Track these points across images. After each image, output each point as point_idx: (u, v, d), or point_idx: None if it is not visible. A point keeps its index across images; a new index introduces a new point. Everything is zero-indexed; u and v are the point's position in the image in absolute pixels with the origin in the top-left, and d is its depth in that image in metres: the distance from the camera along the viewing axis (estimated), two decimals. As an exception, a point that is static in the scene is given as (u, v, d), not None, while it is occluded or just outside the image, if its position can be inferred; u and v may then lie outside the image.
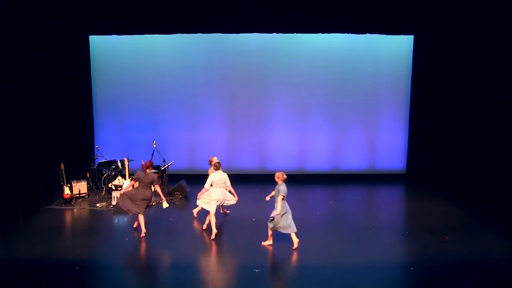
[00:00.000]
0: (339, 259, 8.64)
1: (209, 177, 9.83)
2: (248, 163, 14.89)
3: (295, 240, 9.02)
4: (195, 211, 10.80)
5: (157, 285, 7.77)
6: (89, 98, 14.63)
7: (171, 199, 12.44)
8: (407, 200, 13.54)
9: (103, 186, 13.07)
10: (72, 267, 8.11)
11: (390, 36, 14.30)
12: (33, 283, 7.69)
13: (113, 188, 12.49)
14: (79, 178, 12.53)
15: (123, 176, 12.74)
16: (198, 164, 14.92)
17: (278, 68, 14.70)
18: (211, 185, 9.73)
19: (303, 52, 14.65)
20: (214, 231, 9.61)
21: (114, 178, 12.83)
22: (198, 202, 10.13)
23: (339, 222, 10.85)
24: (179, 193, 12.69)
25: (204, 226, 10.15)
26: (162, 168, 13.09)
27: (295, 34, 14.13)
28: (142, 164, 9.75)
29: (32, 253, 8.79)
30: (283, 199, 8.83)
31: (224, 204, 10.27)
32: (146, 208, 9.78)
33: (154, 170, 13.45)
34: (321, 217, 11.23)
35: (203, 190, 9.75)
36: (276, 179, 8.91)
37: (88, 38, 14.43)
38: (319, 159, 14.99)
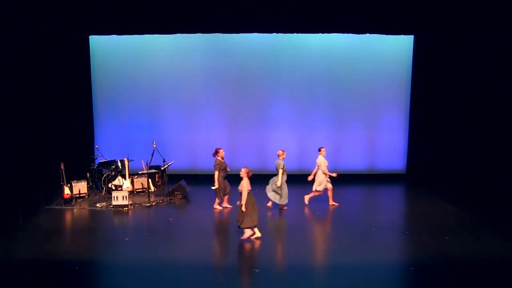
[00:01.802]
0: (339, 259, 8.64)
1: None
2: (248, 163, 14.79)
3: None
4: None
5: (157, 285, 7.76)
6: (89, 98, 14.63)
7: (171, 199, 12.44)
8: (407, 200, 13.53)
9: (103, 186, 13.08)
10: (72, 267, 8.11)
11: (390, 36, 14.32)
12: (33, 283, 7.69)
13: (113, 188, 12.49)
14: (79, 178, 12.53)
15: (123, 176, 12.75)
16: (198, 164, 14.94)
17: (278, 68, 14.71)
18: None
19: (303, 52, 14.66)
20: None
21: (114, 178, 12.83)
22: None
23: (339, 222, 10.86)
24: (179, 193, 12.68)
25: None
26: (162, 168, 13.09)
27: (295, 34, 14.14)
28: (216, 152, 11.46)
29: (32, 253, 8.79)
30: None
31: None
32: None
33: (154, 170, 13.52)
34: (321, 217, 11.23)
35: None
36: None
37: (88, 38, 14.44)
38: (319, 159, 14.98)
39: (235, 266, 8.45)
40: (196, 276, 7.94)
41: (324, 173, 11.63)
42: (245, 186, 9.25)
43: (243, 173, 9.44)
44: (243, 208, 9.16)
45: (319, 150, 11.89)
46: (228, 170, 11.59)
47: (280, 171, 11.35)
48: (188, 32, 13.98)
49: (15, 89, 10.66)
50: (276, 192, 11.48)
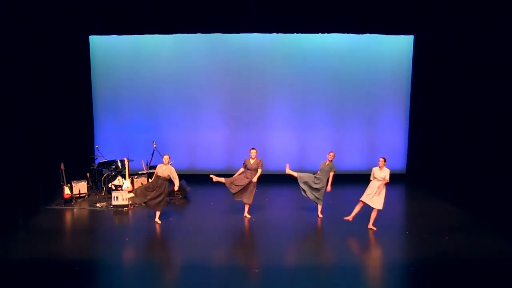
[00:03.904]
0: (339, 259, 8.64)
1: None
2: (248, 163, 14.90)
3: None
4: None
5: (157, 285, 7.76)
6: (89, 98, 14.63)
7: (171, 199, 12.43)
8: (407, 200, 13.53)
9: (103, 186, 13.07)
10: (72, 267, 8.11)
11: (390, 36, 14.32)
12: (33, 283, 7.69)
13: (113, 188, 12.49)
14: (79, 178, 12.53)
15: (123, 176, 12.74)
16: (198, 164, 14.95)
17: (278, 68, 14.71)
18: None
19: (303, 52, 14.66)
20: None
21: (114, 178, 12.83)
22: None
23: (339, 222, 10.85)
24: (179, 193, 12.67)
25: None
26: (162, 168, 13.07)
27: (295, 34, 14.14)
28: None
29: (32, 253, 8.79)
30: None
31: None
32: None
33: (154, 170, 13.50)
34: (321, 217, 11.21)
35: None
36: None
37: (88, 38, 14.43)
38: (319, 159, 14.90)
39: (235, 266, 8.45)
40: (196, 276, 7.94)
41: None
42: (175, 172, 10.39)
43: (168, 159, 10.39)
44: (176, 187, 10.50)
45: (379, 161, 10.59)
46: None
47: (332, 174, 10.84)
48: (188, 32, 13.98)
49: (15, 89, 10.67)
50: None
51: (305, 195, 11.03)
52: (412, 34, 14.45)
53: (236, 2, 12.42)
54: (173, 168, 10.44)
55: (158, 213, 10.60)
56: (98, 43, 14.62)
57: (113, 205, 11.69)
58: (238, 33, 14.04)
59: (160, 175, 10.42)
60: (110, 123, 14.95)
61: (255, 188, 10.80)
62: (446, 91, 13.50)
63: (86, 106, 14.52)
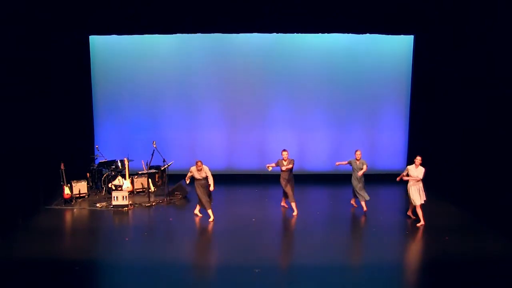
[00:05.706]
0: (339, 259, 8.64)
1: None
2: (248, 163, 14.90)
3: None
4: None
5: (157, 285, 7.76)
6: (89, 98, 14.63)
7: (171, 199, 12.43)
8: (407, 200, 13.50)
9: (103, 186, 13.08)
10: (72, 267, 8.11)
11: (390, 36, 14.32)
12: (33, 283, 7.69)
13: (113, 188, 12.49)
14: (79, 178, 12.53)
15: (123, 176, 12.75)
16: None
17: (278, 68, 14.71)
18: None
19: (303, 52, 14.66)
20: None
21: (114, 178, 12.84)
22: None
23: (339, 222, 10.85)
24: (179, 193, 12.69)
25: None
26: (162, 168, 13.09)
27: (295, 34, 14.14)
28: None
29: (32, 253, 8.79)
30: None
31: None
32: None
33: (154, 170, 13.52)
34: (321, 217, 11.22)
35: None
36: None
37: (88, 38, 14.43)
38: (319, 159, 15.00)
39: (235, 266, 8.45)
40: (196, 276, 7.94)
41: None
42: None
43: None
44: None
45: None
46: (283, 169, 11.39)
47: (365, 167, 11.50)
48: (188, 32, 13.99)
49: (15, 89, 10.68)
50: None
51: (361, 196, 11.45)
52: (412, 34, 14.45)
53: (236, 2, 12.43)
54: (206, 167, 10.69)
55: (209, 211, 10.79)
56: (98, 43, 14.62)
57: (113, 205, 11.69)
58: (238, 33, 14.05)
59: (200, 178, 10.57)
60: (110, 123, 14.94)
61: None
62: (446, 91, 13.51)
63: (86, 106, 14.52)
